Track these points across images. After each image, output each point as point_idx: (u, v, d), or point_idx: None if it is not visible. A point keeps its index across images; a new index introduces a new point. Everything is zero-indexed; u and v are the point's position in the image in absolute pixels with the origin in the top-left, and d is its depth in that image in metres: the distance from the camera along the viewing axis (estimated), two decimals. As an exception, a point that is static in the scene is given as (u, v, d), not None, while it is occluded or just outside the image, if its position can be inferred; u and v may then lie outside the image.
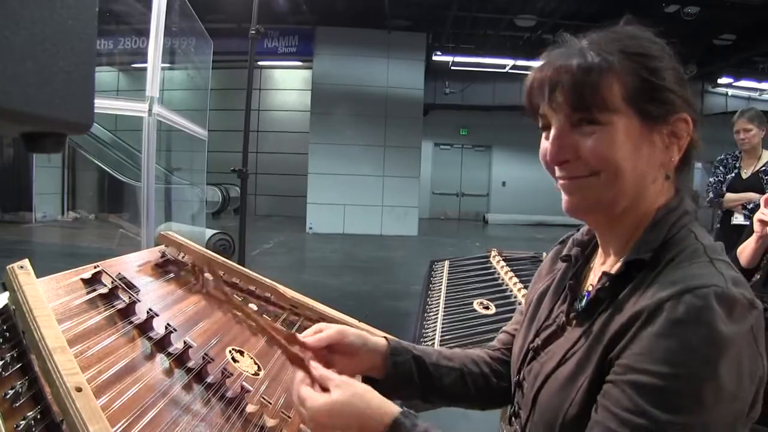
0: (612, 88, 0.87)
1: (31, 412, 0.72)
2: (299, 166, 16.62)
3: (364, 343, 1.10)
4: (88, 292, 1.06)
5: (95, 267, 1.11)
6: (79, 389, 0.72)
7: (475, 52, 15.44)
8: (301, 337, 1.04)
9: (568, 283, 1.04)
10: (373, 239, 14.10)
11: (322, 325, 1.10)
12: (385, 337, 1.16)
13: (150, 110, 2.35)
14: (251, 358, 1.23)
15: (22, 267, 0.90)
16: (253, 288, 1.56)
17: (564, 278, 1.08)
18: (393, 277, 9.69)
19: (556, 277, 1.11)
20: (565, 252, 1.13)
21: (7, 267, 0.89)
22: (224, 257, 1.52)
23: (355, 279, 9.32)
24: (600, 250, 1.03)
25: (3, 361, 0.77)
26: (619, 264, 0.93)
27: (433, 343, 2.14)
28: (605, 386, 0.82)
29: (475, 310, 2.41)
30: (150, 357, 1.00)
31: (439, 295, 2.53)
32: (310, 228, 15.28)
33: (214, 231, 11.46)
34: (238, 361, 1.18)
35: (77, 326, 0.95)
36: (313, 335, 1.07)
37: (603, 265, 1.00)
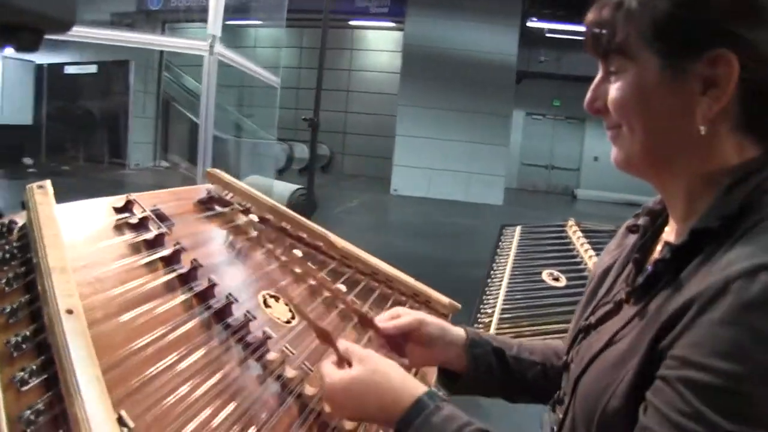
0: (627, 30, 0.77)
1: (25, 330, 0.70)
2: (387, 128, 16.64)
3: (442, 333, 1.07)
4: (117, 220, 1.04)
5: (128, 196, 1.09)
6: (69, 311, 0.69)
7: (572, 19, 14.84)
8: (377, 320, 1.03)
9: (633, 257, 0.91)
10: (457, 205, 13.99)
11: (400, 309, 1.08)
12: (464, 329, 1.11)
13: (211, 49, 2.32)
14: (287, 305, 1.19)
15: (41, 187, 0.89)
16: (303, 235, 1.51)
17: (631, 251, 0.95)
18: (472, 244, 9.58)
19: (624, 250, 0.99)
20: (633, 221, 1.00)
21: (27, 186, 0.88)
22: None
23: (435, 243, 9.28)
24: (670, 220, 0.90)
25: (9, 276, 0.76)
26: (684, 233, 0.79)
27: (494, 311, 2.05)
28: (656, 382, 0.68)
29: (543, 281, 2.30)
30: (169, 289, 0.97)
31: (506, 262, 2.43)
32: (395, 190, 15.34)
33: (297, 186, 11.62)
34: (270, 307, 1.13)
35: (97, 250, 0.94)
36: (389, 320, 1.05)
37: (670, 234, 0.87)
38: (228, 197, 1.42)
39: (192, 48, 2.31)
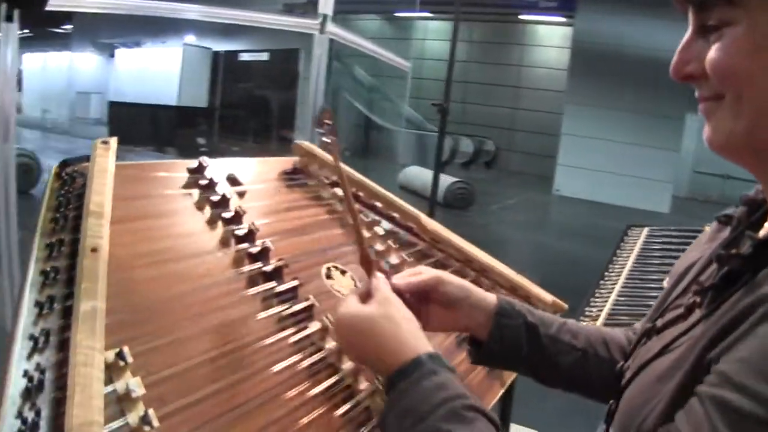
0: None
1: (60, 264, 0.78)
2: (554, 126, 16.21)
3: (466, 296, 0.95)
4: (188, 179, 1.11)
5: (201, 160, 1.15)
6: (94, 250, 0.75)
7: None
8: (393, 278, 0.93)
9: (717, 253, 0.73)
10: (618, 210, 13.33)
11: (422, 268, 0.99)
12: (497, 295, 0.98)
13: (321, 27, 2.34)
14: (353, 279, 1.18)
15: (105, 142, 0.96)
16: (395, 214, 1.51)
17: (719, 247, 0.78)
18: (626, 251, 9.12)
19: (714, 245, 0.82)
20: (728, 212, 0.84)
21: (93, 141, 0.96)
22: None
23: (584, 246, 8.92)
24: None
25: (57, 216, 0.84)
26: None
27: (599, 316, 1.91)
28: (691, 399, 0.57)
29: (663, 288, 2.12)
30: (223, 245, 1.02)
31: (625, 264, 2.26)
32: (557, 190, 14.95)
33: (455, 179, 11.64)
34: (332, 278, 1.14)
35: (164, 204, 1.01)
36: (408, 277, 0.95)
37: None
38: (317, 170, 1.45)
39: (302, 27, 2.33)
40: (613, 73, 13.79)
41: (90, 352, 0.64)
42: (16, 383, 0.65)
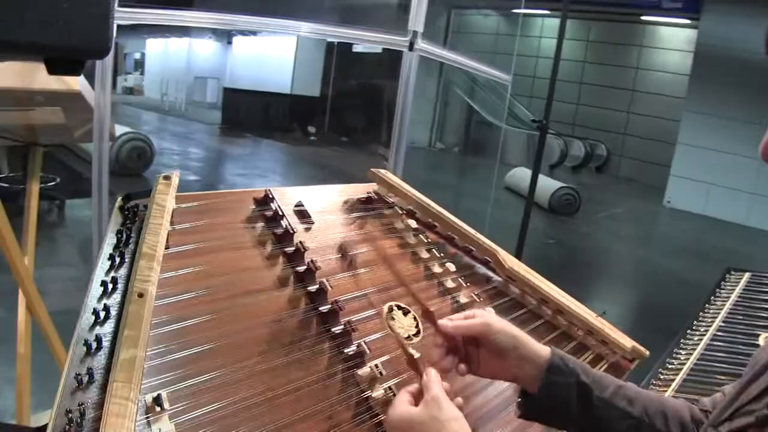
0: None
1: (111, 300, 0.80)
2: (669, 134, 15.48)
3: (514, 347, 0.92)
4: (253, 211, 1.11)
5: (267, 191, 1.16)
6: (140, 295, 0.77)
7: None
8: (441, 322, 0.93)
9: None
10: (733, 228, 12.61)
11: (477, 311, 0.96)
12: (551, 348, 0.94)
13: (411, 45, 2.26)
14: (416, 319, 1.12)
15: (166, 178, 0.98)
16: (471, 248, 1.47)
17: None
18: (739, 275, 8.60)
19: None
20: None
21: (156, 175, 0.98)
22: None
23: (688, 266, 8.45)
24: None
25: (115, 254, 0.86)
26: None
27: (682, 367, 1.72)
28: None
29: (758, 346, 1.90)
30: (281, 283, 1.01)
31: (717, 314, 2.04)
32: (668, 202, 14.28)
33: (561, 184, 11.35)
34: (393, 318, 1.08)
35: (226, 238, 1.02)
36: (459, 320, 0.94)
37: None
38: (392, 198, 1.43)
39: (391, 44, 2.26)
40: (738, 80, 12.95)
41: (124, 402, 0.66)
42: (56, 421, 0.67)
